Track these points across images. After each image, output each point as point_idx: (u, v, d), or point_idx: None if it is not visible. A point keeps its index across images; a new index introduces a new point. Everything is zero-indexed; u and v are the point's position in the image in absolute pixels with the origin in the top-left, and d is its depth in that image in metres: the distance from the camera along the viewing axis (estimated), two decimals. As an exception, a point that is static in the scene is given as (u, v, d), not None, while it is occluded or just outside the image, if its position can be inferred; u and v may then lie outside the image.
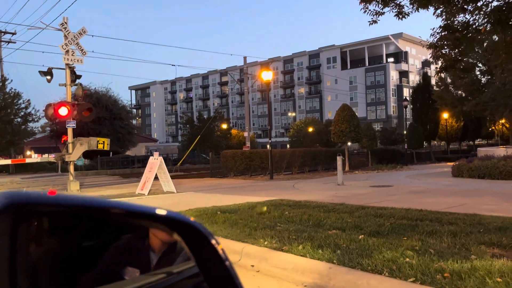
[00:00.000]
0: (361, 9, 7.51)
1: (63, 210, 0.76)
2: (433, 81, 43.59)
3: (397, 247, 4.68)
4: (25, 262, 0.73)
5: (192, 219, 0.89)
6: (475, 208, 7.74)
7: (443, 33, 7.80)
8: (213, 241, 0.88)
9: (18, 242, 0.70)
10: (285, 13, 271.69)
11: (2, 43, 34.91)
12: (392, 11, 7.59)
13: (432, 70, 50.62)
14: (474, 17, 7.58)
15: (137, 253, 0.97)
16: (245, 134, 31.04)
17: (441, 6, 7.29)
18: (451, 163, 21.35)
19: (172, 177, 14.86)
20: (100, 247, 0.91)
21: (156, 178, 14.13)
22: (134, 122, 51.20)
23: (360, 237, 5.32)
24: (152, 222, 0.90)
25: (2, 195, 0.71)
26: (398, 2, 7.52)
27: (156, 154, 14.92)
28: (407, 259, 4.16)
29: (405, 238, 5.18)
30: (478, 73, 33.31)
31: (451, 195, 10.67)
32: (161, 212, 0.86)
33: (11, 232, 0.69)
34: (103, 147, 15.78)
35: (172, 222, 0.87)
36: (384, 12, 7.57)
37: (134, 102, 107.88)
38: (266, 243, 5.31)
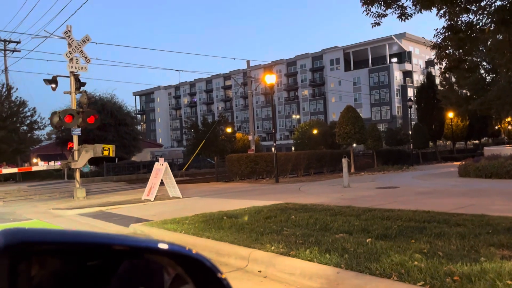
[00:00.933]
0: (363, 11, 7.51)
1: (63, 248, 0.75)
2: (437, 81, 43.42)
3: (405, 250, 4.65)
4: None
5: (194, 251, 0.88)
6: (483, 208, 7.67)
7: (446, 34, 7.77)
8: (219, 275, 0.87)
9: (18, 282, 0.69)
10: (288, 16, 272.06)
11: (7, 52, 35.22)
12: (395, 13, 7.57)
13: (436, 70, 50.42)
14: (477, 17, 7.55)
15: (151, 274, 0.95)
16: (250, 137, 31.06)
17: (444, 7, 7.26)
18: (458, 163, 21.23)
19: (178, 182, 14.88)
20: (106, 266, 0.90)
21: (162, 183, 14.15)
22: (139, 127, 51.32)
23: (367, 240, 5.29)
24: (156, 256, 0.89)
25: (0, 234, 0.70)
26: (400, 4, 7.49)
27: (161, 159, 14.96)
28: (416, 263, 4.13)
29: (413, 241, 5.14)
30: (482, 71, 33.14)
31: (459, 196, 10.59)
32: (162, 246, 0.85)
33: (9, 273, 0.68)
34: (109, 153, 15.84)
35: (175, 255, 0.86)
36: (386, 14, 7.55)
37: (138, 107, 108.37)
38: (273, 248, 5.29)
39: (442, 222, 6.32)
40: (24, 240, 0.71)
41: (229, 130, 47.22)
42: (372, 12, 7.64)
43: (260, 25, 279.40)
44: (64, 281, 0.79)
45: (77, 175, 15.90)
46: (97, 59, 33.47)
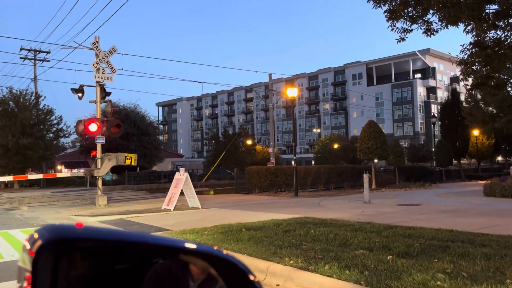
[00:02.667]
0: (388, 27, 7.45)
1: (102, 244, 0.77)
2: (462, 97, 42.65)
3: (427, 269, 4.53)
4: None
5: (225, 252, 0.88)
6: (509, 229, 7.44)
7: (473, 50, 7.64)
8: (252, 277, 0.87)
9: (59, 276, 0.72)
10: (310, 30, 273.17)
11: (37, 61, 36.36)
12: (420, 28, 7.51)
13: (461, 86, 49.55)
14: (506, 34, 7.41)
15: (176, 281, 0.96)
16: (270, 150, 31.04)
17: (471, 23, 7.16)
18: (483, 182, 20.69)
19: (197, 193, 14.94)
20: (133, 269, 0.92)
21: (181, 193, 14.24)
22: (160, 138, 52.05)
23: (388, 257, 5.19)
24: (186, 256, 0.90)
25: (45, 230, 0.73)
26: (426, 19, 7.43)
27: (182, 169, 15.07)
28: (439, 283, 4.02)
29: (436, 260, 5.02)
30: (510, 89, 32.37)
31: (484, 215, 10.31)
32: (190, 245, 0.86)
33: (53, 266, 0.70)
34: (131, 162, 16.06)
35: (207, 256, 0.87)
36: (412, 30, 7.49)
37: (161, 118, 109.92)
38: (291, 262, 5.24)
39: (466, 242, 6.15)
40: (66, 236, 0.73)
41: (249, 142, 47.38)
42: (397, 27, 7.60)
43: (283, 38, 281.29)
44: (99, 277, 0.81)
45: (99, 183, 16.15)
46: (122, 69, 34.24)
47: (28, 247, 0.72)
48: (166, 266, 0.94)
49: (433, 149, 36.43)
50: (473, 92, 33.08)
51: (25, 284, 0.71)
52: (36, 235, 0.72)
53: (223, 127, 75.13)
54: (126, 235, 0.81)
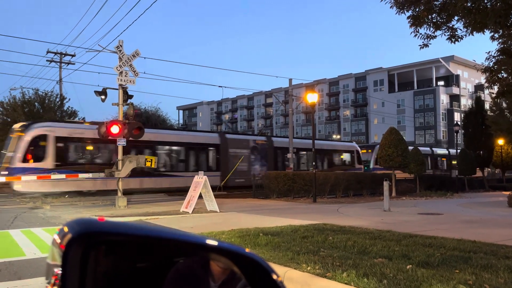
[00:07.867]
0: (411, 33, 7.37)
1: (130, 239, 0.78)
2: (486, 106, 41.75)
3: (448, 280, 4.44)
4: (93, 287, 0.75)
5: (247, 250, 0.88)
6: (535, 242, 7.22)
7: (500, 57, 7.46)
8: (274, 276, 0.87)
9: (88, 269, 0.73)
10: (332, 36, 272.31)
11: (62, 64, 37.19)
12: (444, 35, 7.39)
13: (486, 94, 48.52)
14: (534, 41, 7.24)
15: (197, 281, 0.96)
16: (289, 155, 30.93)
17: (498, 30, 7.00)
18: (507, 192, 20.17)
19: (215, 196, 15.00)
20: (154, 268, 0.93)
21: (200, 196, 14.32)
22: (180, 141, 52.46)
23: (408, 267, 5.10)
24: (208, 253, 0.91)
25: (75, 223, 0.74)
26: (451, 25, 7.31)
27: (200, 173, 15.16)
28: (460, 294, 3.93)
29: (457, 271, 4.91)
30: (537, 98, 31.49)
31: (507, 227, 10.04)
32: (212, 242, 0.87)
33: (82, 258, 0.72)
34: (151, 165, 16.24)
35: (227, 253, 0.87)
36: (435, 36, 7.38)
37: (181, 121, 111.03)
38: (309, 268, 5.20)
39: (489, 254, 6.00)
40: (96, 229, 0.75)
41: (268, 147, 47.27)
42: (421, 33, 7.50)
43: (304, 44, 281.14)
44: (123, 274, 0.82)
45: (120, 184, 16.37)
46: (144, 73, 34.61)
47: (58, 240, 0.73)
48: (187, 266, 0.94)
49: (455, 159, 35.69)
50: (498, 100, 32.36)
51: (53, 280, 0.73)
52: (66, 229, 0.73)
53: (243, 131, 75.38)
54: (151, 230, 0.82)
